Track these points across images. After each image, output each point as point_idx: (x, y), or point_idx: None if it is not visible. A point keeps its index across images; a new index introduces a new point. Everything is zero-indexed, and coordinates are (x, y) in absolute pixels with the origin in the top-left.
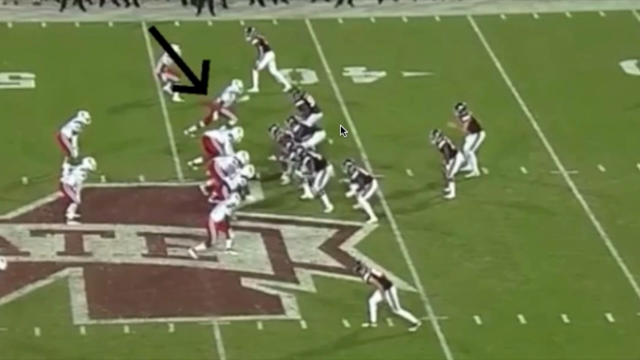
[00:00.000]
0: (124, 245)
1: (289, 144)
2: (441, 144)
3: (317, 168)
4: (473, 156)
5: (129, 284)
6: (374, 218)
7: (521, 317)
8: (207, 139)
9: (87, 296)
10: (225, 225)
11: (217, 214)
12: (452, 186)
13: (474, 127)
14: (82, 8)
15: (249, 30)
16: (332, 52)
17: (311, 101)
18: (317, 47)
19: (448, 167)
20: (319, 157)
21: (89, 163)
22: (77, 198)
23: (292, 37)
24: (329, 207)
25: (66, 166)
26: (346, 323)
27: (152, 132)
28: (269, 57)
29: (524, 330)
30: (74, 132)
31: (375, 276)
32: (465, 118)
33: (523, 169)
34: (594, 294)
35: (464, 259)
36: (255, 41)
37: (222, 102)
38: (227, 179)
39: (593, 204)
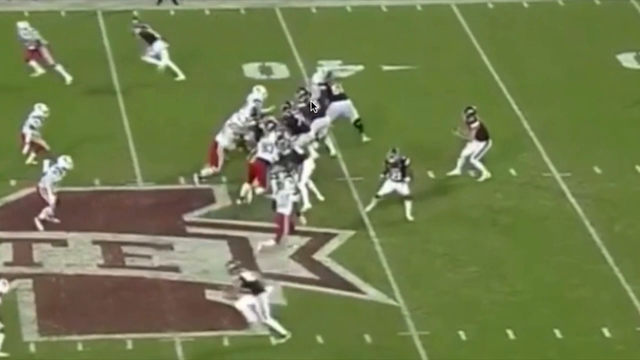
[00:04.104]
0: (78, 254)
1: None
2: (475, 124)
3: (299, 161)
4: (477, 164)
5: (83, 297)
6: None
7: (510, 332)
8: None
9: (37, 310)
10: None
11: (286, 207)
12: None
13: (482, 135)
14: None
15: (134, 19)
16: (305, 44)
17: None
18: (288, 39)
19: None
20: (301, 151)
21: (64, 161)
22: (51, 201)
23: (261, 27)
24: (317, 198)
25: (46, 166)
26: (319, 339)
27: (108, 130)
28: (159, 47)
29: (513, 345)
30: (32, 127)
31: (244, 280)
32: (474, 125)
33: (512, 171)
34: (589, 306)
35: (447, 269)
36: (138, 30)
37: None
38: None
39: (588, 208)
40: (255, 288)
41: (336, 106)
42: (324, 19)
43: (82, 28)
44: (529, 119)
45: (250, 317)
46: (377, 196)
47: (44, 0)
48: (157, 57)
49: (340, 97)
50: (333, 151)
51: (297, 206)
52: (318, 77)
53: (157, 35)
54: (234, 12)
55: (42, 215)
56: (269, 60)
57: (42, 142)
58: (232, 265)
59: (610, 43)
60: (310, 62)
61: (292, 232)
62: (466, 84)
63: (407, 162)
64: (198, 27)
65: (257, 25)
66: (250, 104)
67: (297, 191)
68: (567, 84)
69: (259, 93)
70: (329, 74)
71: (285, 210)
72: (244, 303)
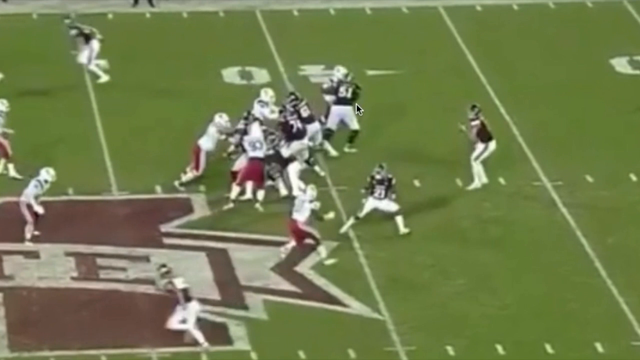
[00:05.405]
0: (51, 267)
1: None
2: (475, 122)
3: (283, 164)
4: (477, 166)
5: (55, 311)
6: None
7: (499, 347)
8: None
9: (8, 325)
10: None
11: (300, 214)
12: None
13: (484, 136)
14: None
15: (67, 18)
16: (287, 48)
17: (304, 113)
18: (269, 43)
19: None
20: (287, 154)
21: (46, 174)
22: (28, 217)
23: (241, 30)
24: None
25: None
26: (302, 354)
27: (81, 137)
28: (96, 47)
29: None
30: None
31: (174, 286)
32: (474, 123)
33: (501, 180)
34: (581, 320)
35: (435, 281)
36: (74, 32)
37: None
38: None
39: (580, 218)
40: (185, 296)
41: (337, 110)
42: (306, 22)
43: (55, 31)
44: (518, 125)
45: (186, 329)
46: (357, 217)
47: (14, 3)
48: (90, 58)
49: (344, 101)
50: (333, 152)
51: (316, 212)
52: (337, 77)
53: (92, 34)
54: (213, 14)
55: (28, 236)
56: (249, 64)
57: (7, 144)
58: (163, 270)
59: (602, 47)
60: (291, 66)
61: (300, 240)
62: (453, 89)
63: (394, 181)
64: (175, 31)
65: (237, 28)
66: (256, 106)
67: (314, 199)
68: (558, 89)
69: (266, 95)
70: (346, 76)
71: (300, 216)
72: (175, 321)
